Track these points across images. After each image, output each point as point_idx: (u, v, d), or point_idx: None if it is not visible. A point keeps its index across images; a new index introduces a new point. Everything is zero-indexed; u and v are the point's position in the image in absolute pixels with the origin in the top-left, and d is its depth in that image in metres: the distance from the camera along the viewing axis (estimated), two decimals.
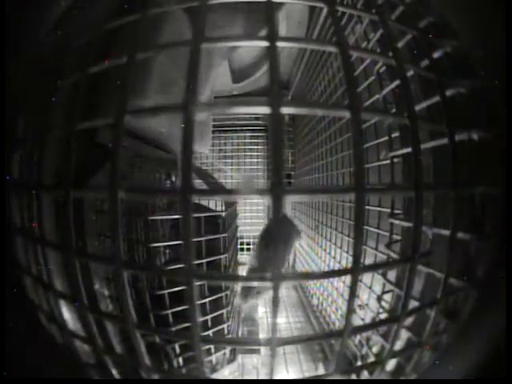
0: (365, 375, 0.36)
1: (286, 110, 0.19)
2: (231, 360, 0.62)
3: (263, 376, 0.71)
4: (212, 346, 0.55)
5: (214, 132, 1.35)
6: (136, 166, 0.57)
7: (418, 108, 0.31)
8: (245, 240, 1.49)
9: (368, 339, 0.47)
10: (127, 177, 0.55)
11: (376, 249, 0.52)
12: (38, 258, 0.29)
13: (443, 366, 0.30)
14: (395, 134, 0.46)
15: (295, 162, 1.40)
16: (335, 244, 0.77)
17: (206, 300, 0.54)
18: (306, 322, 0.97)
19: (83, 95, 0.25)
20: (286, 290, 1.19)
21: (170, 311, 0.48)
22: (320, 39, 0.82)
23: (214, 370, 0.58)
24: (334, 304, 0.77)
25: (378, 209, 0.53)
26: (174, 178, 0.76)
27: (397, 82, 0.42)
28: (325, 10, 0.77)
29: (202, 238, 0.52)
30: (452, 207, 0.24)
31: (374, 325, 0.40)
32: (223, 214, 0.63)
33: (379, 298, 0.48)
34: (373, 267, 0.40)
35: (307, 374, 0.74)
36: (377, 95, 0.49)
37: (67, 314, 0.30)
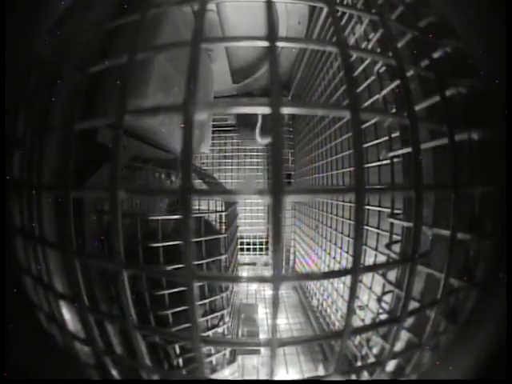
0: (365, 376, 0.36)
1: (285, 110, 0.19)
2: (231, 361, 0.62)
3: (263, 377, 0.71)
4: (212, 347, 0.55)
5: (213, 132, 1.36)
6: (136, 166, 0.57)
7: (418, 108, 0.31)
8: (245, 240, 1.49)
9: (368, 340, 0.47)
10: (127, 177, 0.55)
11: (376, 249, 0.52)
12: (37, 258, 0.29)
13: (443, 367, 0.30)
14: (395, 134, 0.46)
15: (295, 162, 1.40)
16: (335, 244, 0.77)
17: (206, 301, 0.54)
18: (306, 323, 0.97)
19: (83, 95, 0.25)
20: (285, 291, 1.19)
21: (169, 311, 0.48)
22: (320, 39, 0.82)
23: (214, 370, 0.58)
24: (333, 305, 0.77)
25: (378, 209, 0.53)
26: (173, 178, 0.76)
27: (397, 82, 0.42)
28: (325, 10, 0.77)
29: (202, 239, 0.52)
30: (452, 207, 0.24)
31: (373, 325, 0.40)
32: (223, 213, 0.63)
33: (379, 299, 0.48)
34: (373, 267, 0.40)
35: (307, 375, 0.74)
36: (377, 95, 0.49)
37: (67, 314, 0.30)
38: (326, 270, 0.83)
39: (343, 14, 0.58)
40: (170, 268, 0.44)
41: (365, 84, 0.52)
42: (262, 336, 0.82)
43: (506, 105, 0.29)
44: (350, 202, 0.68)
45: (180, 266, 0.41)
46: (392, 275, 0.44)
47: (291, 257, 1.42)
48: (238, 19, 1.00)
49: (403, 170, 0.45)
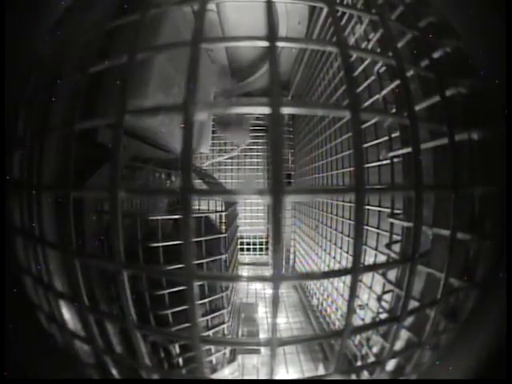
0: (365, 375, 0.36)
1: (285, 110, 0.19)
2: (231, 360, 0.62)
3: (263, 376, 0.71)
4: (212, 346, 0.55)
5: (214, 132, 1.36)
6: (136, 166, 0.57)
7: (418, 108, 0.31)
8: (245, 240, 1.49)
9: (368, 339, 0.47)
10: (127, 177, 0.55)
11: (376, 249, 0.52)
12: (37, 258, 0.29)
13: (443, 366, 0.30)
14: (395, 134, 0.46)
15: (295, 162, 1.40)
16: (335, 244, 0.77)
17: (206, 300, 0.54)
18: (306, 322, 0.97)
19: (83, 95, 0.25)
20: (286, 290, 1.20)
21: (169, 311, 0.48)
22: (320, 39, 0.82)
23: (214, 370, 0.58)
24: (334, 304, 0.77)
25: (378, 209, 0.53)
26: (173, 178, 0.76)
27: (397, 82, 0.42)
28: (325, 10, 0.77)
29: (202, 238, 0.52)
30: (452, 207, 0.24)
31: (373, 325, 0.40)
32: (223, 213, 0.63)
33: (379, 298, 0.48)
34: (373, 267, 0.40)
35: (307, 374, 0.74)
36: (377, 95, 0.49)
37: (67, 314, 0.30)
38: (326, 269, 0.83)
39: (343, 13, 0.58)
40: (170, 268, 0.44)
41: (365, 84, 0.52)
42: (262, 335, 0.82)
43: (506, 105, 0.29)
44: (350, 202, 0.68)
45: (180, 265, 0.41)
46: (392, 275, 0.44)
47: (291, 256, 1.42)
48: (238, 19, 1.00)
49: (403, 170, 0.45)
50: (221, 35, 1.01)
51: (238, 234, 0.96)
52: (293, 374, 0.74)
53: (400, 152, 0.44)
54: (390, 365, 0.31)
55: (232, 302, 0.68)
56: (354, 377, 0.35)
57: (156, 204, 0.69)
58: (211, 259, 0.54)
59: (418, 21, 0.32)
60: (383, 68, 0.48)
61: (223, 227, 0.64)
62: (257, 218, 1.50)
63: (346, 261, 0.70)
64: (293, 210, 1.40)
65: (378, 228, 0.53)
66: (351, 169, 0.69)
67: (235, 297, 0.80)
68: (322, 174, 0.91)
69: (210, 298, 0.54)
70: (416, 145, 0.23)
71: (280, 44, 0.20)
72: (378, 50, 0.48)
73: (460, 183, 0.24)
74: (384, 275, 0.45)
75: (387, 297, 0.46)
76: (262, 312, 0.96)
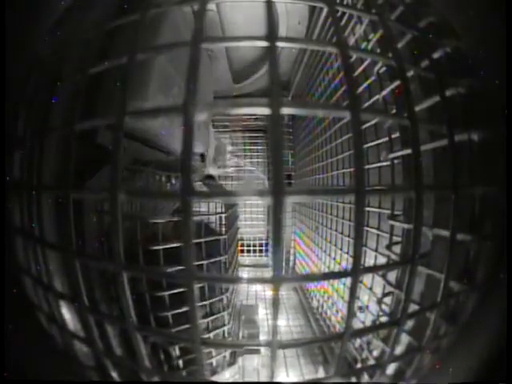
0: (365, 378, 0.35)
1: (285, 111, 0.19)
2: (231, 363, 0.62)
3: (264, 379, 0.71)
4: (212, 349, 0.55)
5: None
6: (136, 168, 0.57)
7: (418, 108, 0.31)
8: (245, 241, 1.49)
9: (368, 343, 0.47)
10: (127, 179, 0.55)
11: (376, 250, 0.52)
12: (37, 258, 0.28)
13: (444, 369, 0.30)
14: (395, 135, 0.46)
15: (295, 162, 1.40)
16: (335, 245, 0.77)
17: (207, 302, 0.53)
18: (307, 325, 0.97)
19: (83, 95, 0.25)
20: (286, 292, 1.19)
21: (170, 313, 0.48)
22: (320, 39, 0.82)
23: (214, 372, 0.58)
24: (334, 306, 0.77)
25: (379, 210, 0.53)
26: (173, 181, 0.76)
27: (397, 83, 0.42)
28: (325, 10, 0.77)
29: (202, 240, 0.52)
30: (452, 208, 0.24)
31: (374, 328, 0.40)
32: (224, 215, 0.63)
33: (379, 301, 0.47)
34: (373, 269, 0.40)
35: (307, 377, 0.74)
36: (376, 96, 0.49)
37: (67, 314, 0.30)
38: (326, 271, 0.83)
39: (343, 14, 0.58)
40: (170, 269, 0.44)
41: (365, 84, 0.52)
42: (263, 337, 0.82)
43: (506, 105, 0.29)
44: (350, 203, 0.68)
45: (180, 267, 0.41)
46: (392, 276, 0.44)
47: (291, 258, 1.41)
48: (238, 19, 1.00)
49: (403, 171, 0.44)
50: (221, 35, 1.01)
51: (238, 236, 0.96)
52: (293, 377, 0.73)
53: (400, 153, 0.44)
54: (391, 368, 0.31)
55: (232, 304, 0.68)
56: (354, 380, 0.35)
57: (156, 206, 0.68)
58: (211, 261, 0.54)
59: (418, 21, 0.32)
60: (383, 68, 0.48)
61: (223, 229, 0.64)
62: (257, 219, 1.50)
63: (346, 262, 0.69)
64: (293, 211, 1.39)
65: (378, 229, 0.53)
66: (351, 170, 0.69)
67: (235, 299, 0.80)
68: (322, 174, 0.91)
69: (211, 300, 0.54)
70: (416, 146, 0.22)
71: (280, 44, 0.20)
72: (378, 51, 0.48)
73: (460, 184, 0.24)
74: (384, 277, 0.45)
75: (387, 299, 0.46)
76: (263, 314, 0.96)
